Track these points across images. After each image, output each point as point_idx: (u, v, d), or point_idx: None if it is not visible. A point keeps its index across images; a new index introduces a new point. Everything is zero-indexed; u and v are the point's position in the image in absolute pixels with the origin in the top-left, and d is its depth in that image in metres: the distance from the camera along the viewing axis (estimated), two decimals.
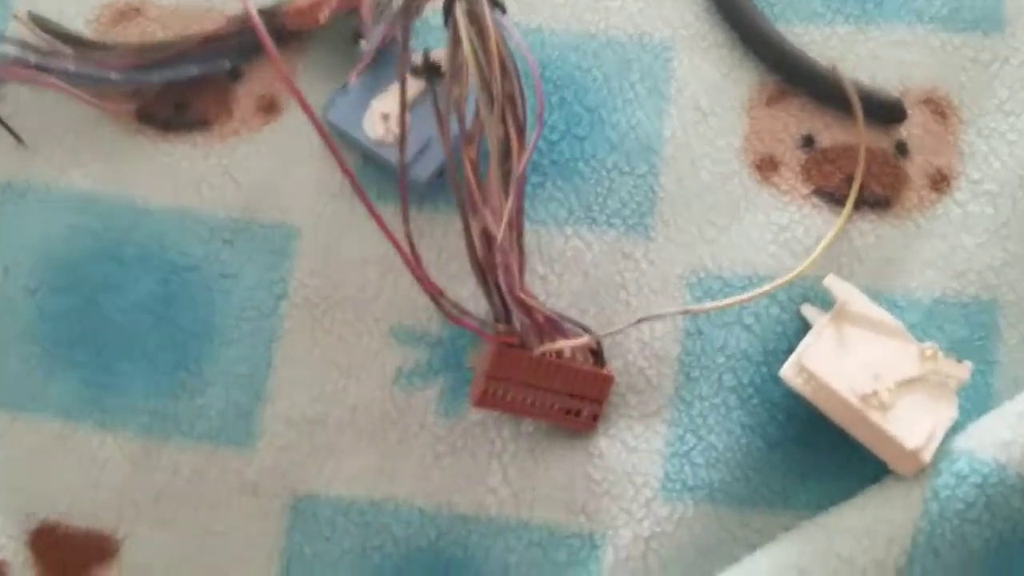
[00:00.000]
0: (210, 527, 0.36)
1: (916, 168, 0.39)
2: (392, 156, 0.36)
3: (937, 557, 0.32)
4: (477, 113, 0.34)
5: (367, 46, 0.38)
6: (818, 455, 0.36)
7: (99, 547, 0.36)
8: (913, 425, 0.34)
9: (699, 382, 0.37)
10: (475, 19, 0.34)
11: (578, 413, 0.36)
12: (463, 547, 0.36)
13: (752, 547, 0.35)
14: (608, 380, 0.36)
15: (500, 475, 0.36)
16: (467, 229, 0.34)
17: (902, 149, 0.40)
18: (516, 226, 0.35)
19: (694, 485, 0.36)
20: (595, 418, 0.36)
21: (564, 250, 0.39)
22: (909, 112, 0.40)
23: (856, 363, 0.34)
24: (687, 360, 0.37)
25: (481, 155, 0.35)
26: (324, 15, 0.39)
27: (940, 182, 0.39)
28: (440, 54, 0.36)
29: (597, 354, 0.37)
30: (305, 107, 0.26)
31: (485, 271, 0.35)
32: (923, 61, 0.41)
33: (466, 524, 0.36)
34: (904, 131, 0.40)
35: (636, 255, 0.38)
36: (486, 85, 0.34)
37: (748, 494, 0.36)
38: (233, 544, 0.36)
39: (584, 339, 0.35)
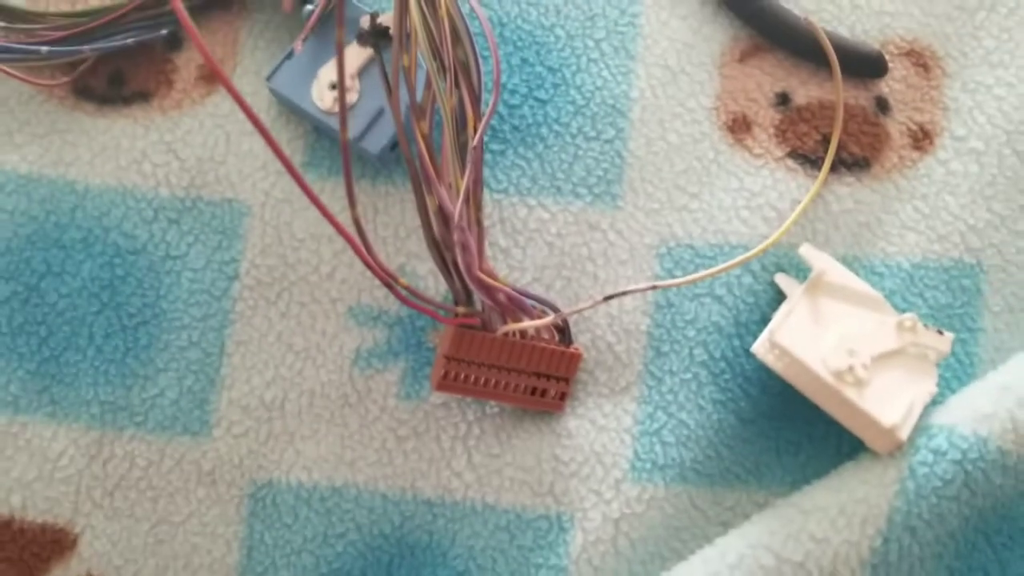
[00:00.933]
0: (168, 517, 0.35)
1: (897, 125, 0.37)
2: None
3: (914, 535, 0.31)
4: (428, 82, 0.32)
5: (311, 8, 0.36)
6: (793, 430, 0.35)
7: (56, 540, 0.35)
8: (890, 401, 0.32)
9: (669, 356, 0.36)
10: None
11: (544, 393, 0.35)
12: (428, 532, 0.35)
13: (725, 526, 0.34)
14: (575, 357, 0.35)
15: (465, 459, 0.35)
16: (422, 207, 0.33)
17: (882, 105, 0.38)
18: (474, 201, 0.33)
19: (665, 464, 0.35)
20: (563, 397, 0.35)
21: (528, 221, 0.37)
22: (890, 65, 0.38)
23: (831, 337, 0.33)
24: (657, 334, 0.36)
25: (435, 126, 0.33)
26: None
27: (922, 140, 0.37)
28: (388, 18, 0.34)
29: (563, 331, 0.35)
30: (231, 90, 0.24)
31: (442, 251, 0.33)
32: (905, 10, 0.38)
33: (431, 509, 0.35)
34: (885, 86, 0.38)
35: (603, 225, 0.37)
36: (436, 52, 0.32)
37: (720, 472, 0.35)
38: (192, 534, 0.35)
39: (549, 318, 0.34)
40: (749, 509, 0.34)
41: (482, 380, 0.34)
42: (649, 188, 0.37)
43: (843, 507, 0.32)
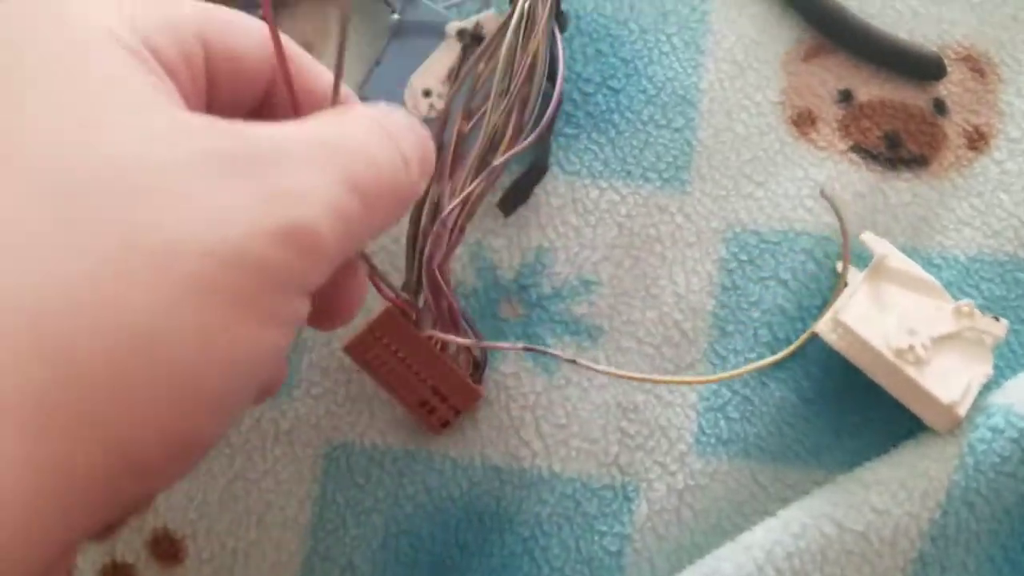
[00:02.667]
0: (244, 474, 0.36)
1: (954, 127, 0.39)
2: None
3: (972, 510, 0.32)
4: (487, 96, 0.34)
5: (396, 18, 0.38)
6: (852, 412, 0.36)
7: None
8: (948, 380, 0.34)
9: (734, 336, 0.37)
10: (532, 17, 0.34)
11: (432, 411, 0.35)
12: (495, 498, 0.36)
13: (785, 502, 0.35)
14: (476, 395, 0.35)
15: (533, 428, 0.36)
16: (424, 191, 0.34)
17: (940, 107, 0.39)
18: (468, 211, 0.34)
19: (728, 439, 0.36)
20: (445, 424, 0.36)
21: (599, 202, 0.38)
22: (948, 69, 0.39)
23: (892, 319, 0.34)
24: (722, 314, 0.37)
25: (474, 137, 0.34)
26: None
27: (978, 140, 0.39)
28: (490, 24, 0.36)
29: (479, 367, 0.36)
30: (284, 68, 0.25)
31: (418, 237, 0.34)
32: (963, 18, 0.40)
33: (499, 475, 0.36)
34: (943, 88, 0.39)
35: (671, 208, 0.38)
36: (507, 77, 0.34)
37: (782, 450, 0.36)
38: (266, 491, 0.36)
39: (471, 341, 0.35)
40: (809, 487, 0.35)
41: (386, 367, 0.35)
42: (716, 175, 0.39)
43: (904, 481, 0.33)
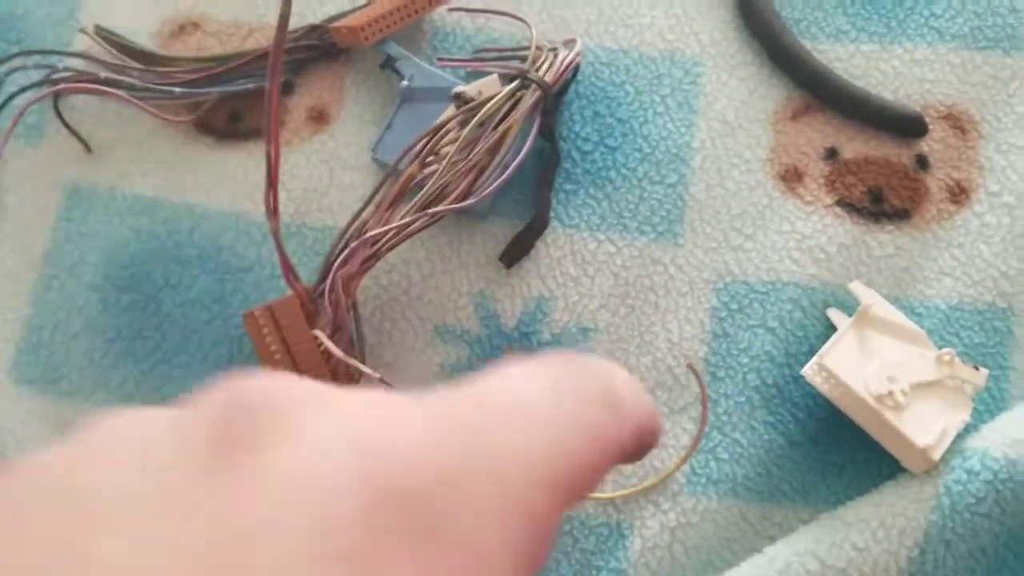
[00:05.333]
0: None
1: (936, 181, 0.41)
2: None
3: (949, 548, 0.34)
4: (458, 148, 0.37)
5: (407, 84, 0.41)
6: (837, 453, 0.38)
7: None
8: (925, 425, 0.35)
9: (724, 381, 0.39)
10: (516, 103, 0.37)
11: None
12: None
13: (772, 539, 0.37)
14: None
15: None
16: (363, 207, 0.37)
17: (923, 163, 0.41)
18: (388, 245, 0.37)
19: (718, 479, 0.38)
20: None
21: (596, 254, 0.41)
22: (930, 127, 0.42)
23: (874, 365, 0.36)
24: (713, 360, 0.39)
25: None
26: (371, 38, 0.41)
27: (959, 195, 0.41)
28: (482, 89, 0.39)
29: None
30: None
31: (340, 245, 0.37)
32: (944, 78, 0.42)
33: None
34: (925, 145, 0.42)
35: (665, 260, 0.40)
36: (470, 144, 0.37)
37: (769, 489, 0.38)
38: None
39: (342, 355, 0.36)
40: (795, 524, 0.37)
41: (271, 345, 0.37)
42: (708, 228, 0.41)
43: (883, 520, 0.35)
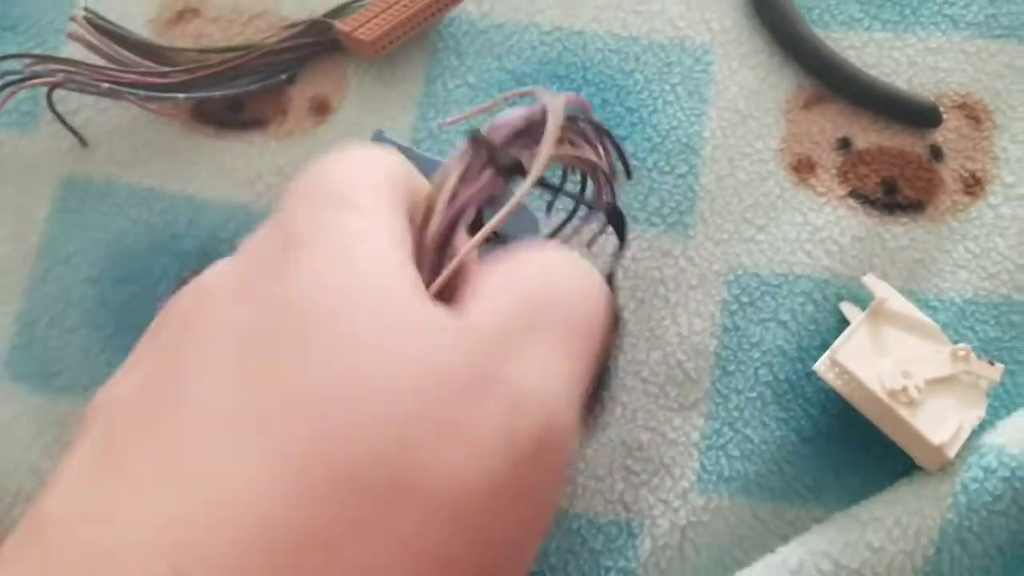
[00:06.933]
0: None
1: (950, 172, 0.40)
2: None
3: (965, 548, 0.33)
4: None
5: (387, 136, 0.39)
6: (850, 450, 0.37)
7: None
8: (940, 422, 0.35)
9: (735, 376, 0.38)
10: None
11: None
12: None
13: (785, 538, 0.36)
14: None
15: None
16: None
17: (936, 153, 0.41)
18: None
19: (729, 477, 0.37)
20: None
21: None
22: (944, 116, 0.41)
23: (888, 360, 0.35)
24: (724, 355, 0.39)
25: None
26: (381, 51, 0.40)
27: (973, 186, 0.40)
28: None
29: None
30: None
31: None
32: (958, 67, 0.42)
33: None
34: (939, 135, 0.41)
35: (675, 252, 0.40)
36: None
37: (782, 487, 0.37)
38: None
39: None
40: (808, 522, 0.36)
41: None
42: (718, 220, 0.40)
43: (898, 519, 0.34)
